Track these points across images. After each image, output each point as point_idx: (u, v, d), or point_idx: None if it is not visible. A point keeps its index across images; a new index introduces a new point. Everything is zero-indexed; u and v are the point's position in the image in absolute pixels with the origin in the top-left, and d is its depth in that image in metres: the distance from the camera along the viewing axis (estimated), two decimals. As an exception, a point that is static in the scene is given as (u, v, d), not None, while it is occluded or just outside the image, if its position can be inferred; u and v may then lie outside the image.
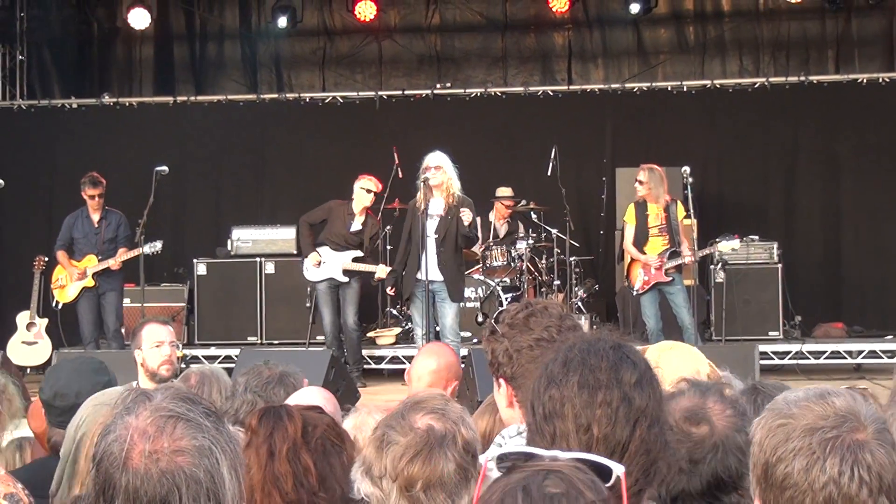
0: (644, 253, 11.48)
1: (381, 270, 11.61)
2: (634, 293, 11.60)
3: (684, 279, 11.54)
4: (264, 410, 3.44)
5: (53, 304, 12.21)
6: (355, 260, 11.85)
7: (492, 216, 13.80)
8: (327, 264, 11.88)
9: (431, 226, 10.80)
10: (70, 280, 11.88)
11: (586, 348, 2.32)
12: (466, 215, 10.68)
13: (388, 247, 13.17)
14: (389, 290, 11.60)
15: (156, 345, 6.05)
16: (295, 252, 13.32)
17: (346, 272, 11.86)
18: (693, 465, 2.75)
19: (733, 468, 2.75)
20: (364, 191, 11.81)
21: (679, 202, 11.55)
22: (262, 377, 4.65)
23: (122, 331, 12.11)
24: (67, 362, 4.50)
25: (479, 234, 13.43)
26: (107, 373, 4.42)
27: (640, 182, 11.45)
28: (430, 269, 10.72)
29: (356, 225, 11.90)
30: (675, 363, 3.76)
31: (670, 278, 11.33)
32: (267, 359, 4.78)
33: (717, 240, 11.74)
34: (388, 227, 12.61)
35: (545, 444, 2.24)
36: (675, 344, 3.98)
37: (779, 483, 2.20)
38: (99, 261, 11.82)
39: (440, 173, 10.70)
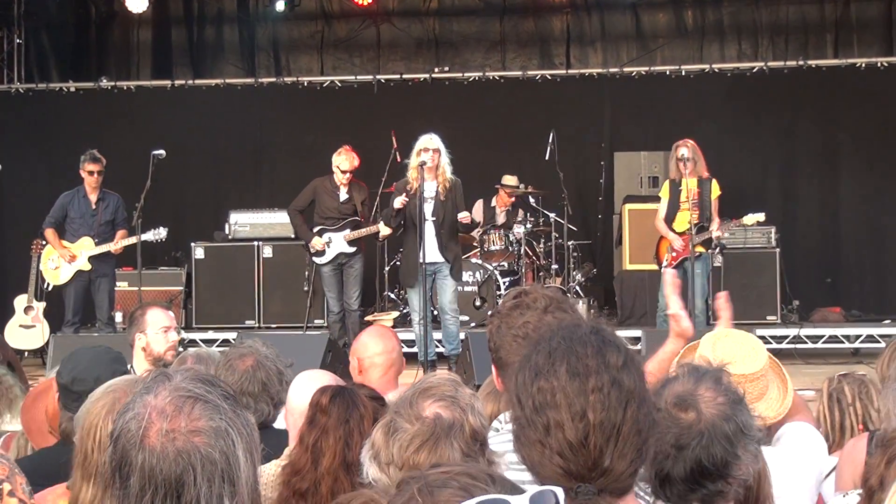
0: (673, 228, 11.33)
1: (384, 227, 11.56)
2: (662, 269, 11.34)
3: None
4: (336, 391, 3.42)
5: (45, 286, 12.17)
6: (354, 228, 11.85)
7: (494, 201, 13.80)
8: (332, 244, 11.87)
9: (428, 209, 10.78)
10: (65, 262, 11.80)
11: (569, 336, 2.33)
12: (464, 216, 10.74)
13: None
14: (400, 203, 10.87)
15: (162, 330, 6.14)
16: (293, 236, 13.30)
17: (350, 242, 11.84)
18: (678, 451, 2.76)
19: (718, 456, 2.75)
20: (339, 170, 11.79)
21: (715, 180, 11.32)
22: (237, 372, 4.60)
23: (115, 316, 12.08)
24: (87, 349, 4.49)
25: (481, 218, 13.49)
26: (124, 363, 4.43)
27: (688, 159, 11.12)
28: (430, 251, 10.75)
29: (343, 195, 11.90)
30: (731, 350, 3.76)
31: (697, 253, 11.07)
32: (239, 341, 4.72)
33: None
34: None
35: (538, 436, 2.26)
36: (731, 331, 3.98)
37: None
38: (96, 244, 11.76)
39: (437, 157, 10.69)
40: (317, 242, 11.87)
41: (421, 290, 10.69)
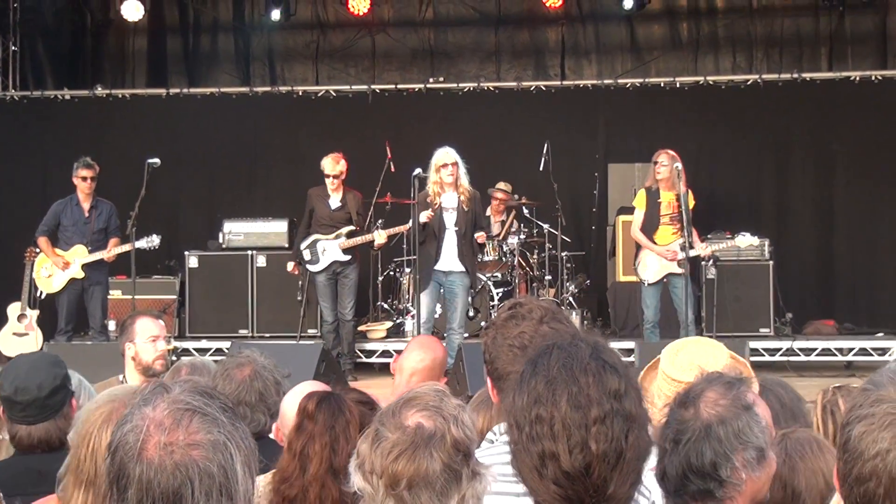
0: (654, 240, 11.34)
1: (379, 236, 11.61)
2: (646, 283, 11.31)
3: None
4: (323, 397, 3.42)
5: (38, 294, 12.16)
6: (349, 236, 11.85)
7: (489, 211, 13.81)
8: (327, 252, 11.88)
9: (449, 218, 11.04)
10: (58, 269, 11.77)
11: (568, 363, 2.31)
12: (480, 235, 11.13)
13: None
14: (426, 218, 11.07)
15: (151, 339, 6.08)
16: (286, 245, 13.30)
17: (345, 250, 11.85)
18: (675, 446, 2.78)
19: (706, 456, 2.76)
20: (323, 174, 11.86)
21: (690, 191, 11.30)
22: (234, 381, 4.58)
23: (108, 324, 12.07)
24: (24, 357, 4.43)
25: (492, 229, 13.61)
26: (63, 366, 4.34)
27: (663, 165, 11.17)
28: (450, 260, 10.97)
29: (335, 202, 11.92)
30: (689, 358, 3.76)
31: (682, 269, 11.07)
32: (235, 350, 4.70)
33: (730, 236, 11.76)
34: (381, 221, 12.58)
35: (534, 463, 2.26)
36: (689, 339, 3.98)
37: (842, 445, 2.18)
38: (89, 251, 11.73)
39: (456, 169, 10.98)
40: (288, 265, 12.30)
41: (435, 296, 11.14)
